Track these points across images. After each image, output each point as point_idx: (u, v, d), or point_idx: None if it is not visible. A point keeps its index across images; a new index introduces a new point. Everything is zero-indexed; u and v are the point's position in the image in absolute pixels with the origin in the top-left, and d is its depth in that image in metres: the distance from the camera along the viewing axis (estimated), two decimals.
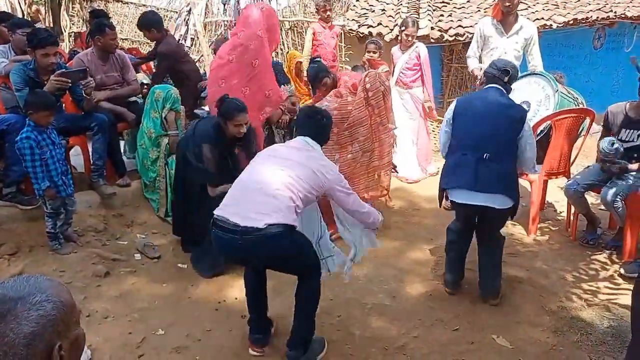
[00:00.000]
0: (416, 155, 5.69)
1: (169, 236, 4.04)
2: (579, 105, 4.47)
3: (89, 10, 7.91)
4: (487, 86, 3.27)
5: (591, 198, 4.34)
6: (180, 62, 5.03)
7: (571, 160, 4.42)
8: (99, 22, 4.56)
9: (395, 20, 7.46)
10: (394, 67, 5.66)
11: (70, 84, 3.89)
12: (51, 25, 8.82)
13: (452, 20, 7.39)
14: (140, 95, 4.92)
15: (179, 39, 8.76)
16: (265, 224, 2.36)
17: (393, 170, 4.53)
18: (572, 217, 4.27)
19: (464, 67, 7.33)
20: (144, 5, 9.39)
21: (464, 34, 7.16)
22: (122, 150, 4.79)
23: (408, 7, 7.62)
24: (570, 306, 3.25)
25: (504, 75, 3.21)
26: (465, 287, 3.42)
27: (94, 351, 2.72)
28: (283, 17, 8.77)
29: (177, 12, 9.08)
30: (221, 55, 4.35)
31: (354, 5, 8.40)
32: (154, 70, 5.69)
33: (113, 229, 4.10)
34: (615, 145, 3.78)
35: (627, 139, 3.88)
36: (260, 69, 4.26)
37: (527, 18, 5.95)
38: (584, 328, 3.02)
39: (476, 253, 3.37)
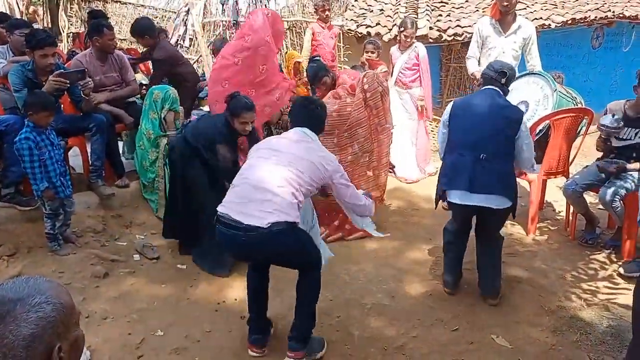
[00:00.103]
0: (415, 156, 5.69)
1: None
2: (577, 105, 4.48)
3: (87, 11, 7.90)
4: (484, 87, 3.27)
5: (590, 197, 4.35)
6: (177, 66, 5.02)
7: (570, 160, 4.43)
8: (97, 23, 4.55)
9: (394, 20, 7.46)
10: (392, 67, 5.66)
11: (68, 85, 3.88)
12: (49, 25, 8.81)
13: (450, 20, 7.39)
14: (138, 96, 4.91)
15: (178, 39, 8.76)
16: (268, 222, 2.38)
17: (390, 170, 4.53)
18: (571, 217, 4.28)
19: (462, 66, 7.33)
20: (142, 5, 9.37)
21: (463, 34, 7.16)
22: (120, 151, 4.79)
23: (406, 7, 7.62)
24: (570, 306, 3.26)
25: (501, 76, 3.21)
26: (464, 287, 3.43)
27: (93, 352, 2.71)
28: (282, 17, 8.76)
29: (175, 13, 9.06)
30: (225, 55, 4.35)
31: (353, 5, 8.40)
32: (152, 72, 5.68)
33: (112, 229, 4.10)
34: (616, 119, 3.78)
35: (625, 137, 3.88)
36: (267, 74, 4.30)
37: (526, 18, 5.95)
38: (583, 328, 3.03)
39: (474, 253, 3.38)
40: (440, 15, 7.53)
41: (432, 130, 6.28)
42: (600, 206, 4.15)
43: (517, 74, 4.22)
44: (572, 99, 4.53)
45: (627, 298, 3.20)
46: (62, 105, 4.27)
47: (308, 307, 2.67)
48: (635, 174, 3.76)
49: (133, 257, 3.77)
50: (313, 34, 6.08)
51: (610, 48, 8.90)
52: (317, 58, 4.83)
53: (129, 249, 3.86)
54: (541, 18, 7.51)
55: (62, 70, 3.90)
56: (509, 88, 3.34)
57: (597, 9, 8.00)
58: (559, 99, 4.34)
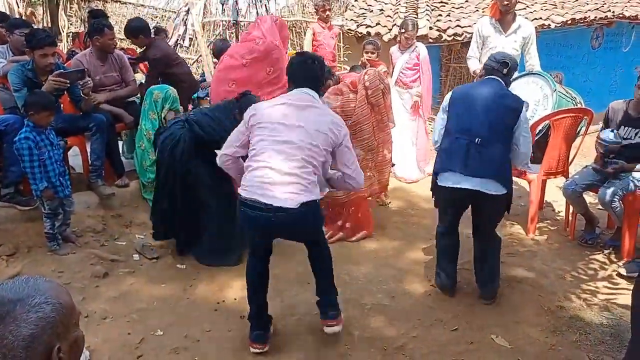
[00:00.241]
0: (415, 156, 5.69)
1: None
2: (577, 105, 4.48)
3: (87, 11, 7.90)
4: (485, 78, 3.26)
5: (589, 198, 4.35)
6: (172, 66, 4.99)
7: (569, 160, 4.43)
8: (98, 22, 4.55)
9: (394, 20, 7.46)
10: (392, 67, 5.66)
11: (68, 85, 3.88)
12: (49, 25, 8.81)
13: (450, 20, 7.39)
14: (138, 96, 4.91)
15: (178, 39, 8.76)
16: (297, 203, 2.47)
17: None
18: (570, 217, 4.28)
19: (462, 66, 7.35)
20: (142, 5, 9.37)
21: (463, 34, 7.17)
22: (120, 151, 4.78)
23: (406, 7, 7.63)
24: (569, 306, 3.26)
25: (502, 67, 3.19)
26: (464, 287, 3.42)
27: (93, 352, 2.71)
28: (282, 16, 8.77)
29: (175, 12, 9.07)
30: (233, 55, 4.38)
31: (353, 5, 8.41)
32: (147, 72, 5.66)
33: (111, 229, 4.10)
34: (616, 136, 3.77)
35: (625, 137, 3.88)
36: (277, 75, 4.32)
37: (526, 18, 5.96)
38: (582, 328, 3.03)
39: (472, 253, 3.37)
40: (440, 15, 7.54)
41: (432, 131, 6.27)
42: (600, 206, 4.15)
43: (517, 74, 4.22)
44: (571, 99, 4.53)
45: (626, 298, 3.19)
46: (61, 105, 4.27)
47: (331, 276, 2.85)
48: (635, 174, 3.77)
49: (133, 257, 3.77)
50: (314, 34, 6.08)
51: (610, 48, 8.90)
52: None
53: (129, 249, 3.86)
54: (541, 18, 7.51)
55: (62, 70, 3.90)
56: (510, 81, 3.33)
57: (597, 9, 8.00)
58: (559, 99, 4.33)
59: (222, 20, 8.98)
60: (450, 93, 3.31)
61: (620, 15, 8.17)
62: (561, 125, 4.15)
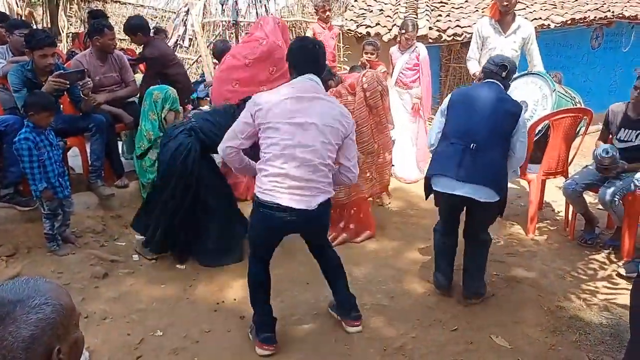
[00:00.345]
0: (415, 156, 5.69)
1: None
2: (576, 105, 4.48)
3: (87, 11, 7.90)
4: (484, 81, 3.26)
5: (589, 197, 4.35)
6: (169, 66, 4.97)
7: (569, 160, 4.43)
8: (98, 23, 4.55)
9: (394, 20, 7.47)
10: (392, 68, 5.66)
11: (68, 85, 3.88)
12: (49, 26, 8.80)
13: (450, 20, 7.40)
14: (138, 96, 4.91)
15: (177, 40, 8.76)
16: (316, 204, 2.55)
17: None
18: (570, 217, 4.28)
19: (462, 67, 7.35)
20: (142, 5, 9.38)
21: (462, 34, 7.17)
22: (120, 151, 4.78)
23: (406, 7, 7.63)
24: (569, 306, 3.26)
25: (501, 70, 3.18)
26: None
27: (92, 353, 2.71)
28: (281, 17, 8.77)
29: (175, 13, 9.07)
30: (235, 55, 4.40)
31: (352, 6, 8.42)
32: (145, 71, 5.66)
33: (111, 230, 4.10)
34: (610, 153, 3.74)
35: (625, 139, 3.89)
36: (276, 76, 4.33)
37: (525, 18, 5.96)
38: (582, 328, 3.03)
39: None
40: (440, 15, 7.54)
41: None
42: (600, 206, 4.15)
43: (516, 74, 4.22)
44: (570, 98, 4.53)
45: (626, 298, 3.18)
46: (61, 106, 4.27)
47: (346, 276, 2.96)
48: (636, 174, 3.77)
49: (132, 257, 3.77)
50: (314, 34, 6.08)
51: (610, 48, 8.90)
52: None
53: (128, 250, 3.86)
54: (540, 18, 7.52)
55: (62, 71, 3.90)
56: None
57: (597, 9, 8.01)
58: (558, 99, 4.34)
59: (222, 21, 8.99)
60: (449, 96, 3.31)
61: (620, 15, 8.18)
62: (561, 125, 4.16)
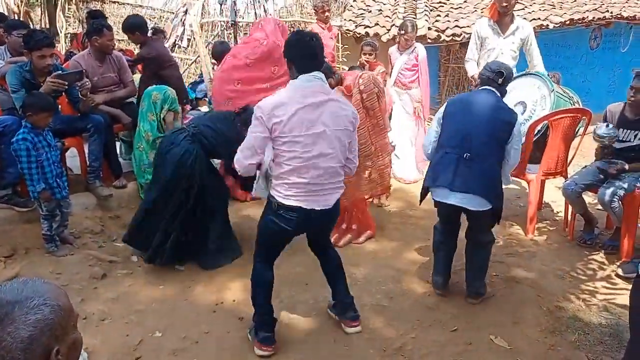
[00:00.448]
0: (414, 156, 5.69)
1: None
2: (574, 105, 4.48)
3: (86, 12, 7.90)
4: (480, 88, 3.26)
5: (588, 198, 4.35)
6: (164, 67, 4.95)
7: (568, 160, 4.43)
8: (97, 23, 4.54)
9: (392, 21, 7.47)
10: (391, 68, 5.66)
11: (66, 86, 3.87)
12: (47, 26, 8.79)
13: (449, 21, 7.40)
14: (136, 96, 4.90)
15: (176, 40, 8.76)
16: (334, 202, 2.67)
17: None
18: (569, 217, 4.28)
19: (461, 67, 7.35)
20: (141, 5, 9.38)
21: (461, 34, 7.17)
22: (118, 152, 4.77)
23: (405, 8, 7.63)
24: (568, 306, 3.25)
25: (498, 77, 3.18)
26: (462, 287, 3.41)
27: (91, 354, 2.70)
28: (280, 17, 8.78)
29: (173, 13, 9.08)
30: (236, 55, 4.41)
31: (351, 6, 8.41)
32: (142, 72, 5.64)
33: (109, 230, 4.09)
34: (611, 128, 3.81)
35: (623, 139, 3.89)
36: (279, 76, 4.34)
37: (524, 18, 5.96)
38: (581, 328, 3.03)
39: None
40: (439, 15, 7.54)
41: None
42: (599, 206, 4.15)
43: (515, 75, 4.22)
44: (569, 98, 4.53)
45: (625, 298, 3.18)
46: (59, 106, 4.26)
47: (345, 277, 3.01)
48: (635, 175, 3.77)
49: (131, 258, 3.76)
50: None
51: (608, 49, 8.92)
52: None
53: (127, 250, 3.84)
54: (539, 18, 7.53)
55: (60, 72, 3.89)
56: (507, 89, 3.33)
57: (595, 9, 8.02)
58: (557, 99, 4.33)
59: (220, 21, 8.99)
60: (444, 105, 3.32)
61: (619, 16, 8.20)
62: (560, 126, 4.16)
